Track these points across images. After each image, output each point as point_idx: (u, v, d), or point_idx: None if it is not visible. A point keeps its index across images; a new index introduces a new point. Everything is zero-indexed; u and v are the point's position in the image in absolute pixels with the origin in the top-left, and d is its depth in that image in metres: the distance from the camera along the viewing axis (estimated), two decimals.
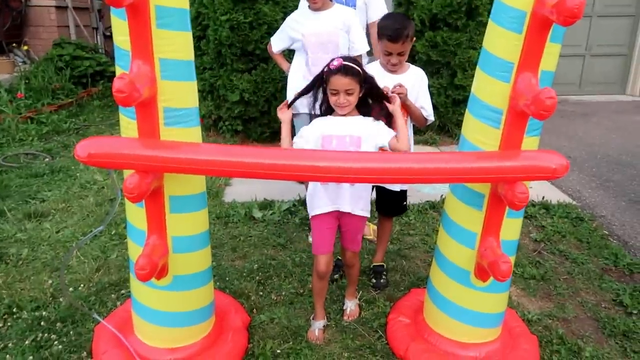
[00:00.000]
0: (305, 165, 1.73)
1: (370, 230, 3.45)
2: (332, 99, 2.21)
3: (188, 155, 1.70)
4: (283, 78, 4.03)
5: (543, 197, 4.11)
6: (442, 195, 4.03)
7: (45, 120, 6.02)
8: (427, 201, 4.02)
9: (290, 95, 3.55)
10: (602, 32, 8.09)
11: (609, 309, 2.78)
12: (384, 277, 2.95)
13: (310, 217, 2.38)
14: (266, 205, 3.91)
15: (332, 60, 2.20)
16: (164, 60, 1.73)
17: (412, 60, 5.49)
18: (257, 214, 3.74)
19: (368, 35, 3.65)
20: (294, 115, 3.61)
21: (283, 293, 2.82)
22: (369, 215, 2.39)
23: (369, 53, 3.56)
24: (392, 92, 2.51)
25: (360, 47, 3.37)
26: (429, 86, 2.75)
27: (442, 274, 2.28)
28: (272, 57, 3.74)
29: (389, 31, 2.49)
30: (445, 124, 5.76)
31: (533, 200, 4.04)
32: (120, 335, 2.23)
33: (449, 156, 1.83)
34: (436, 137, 5.69)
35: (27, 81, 6.91)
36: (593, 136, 6.15)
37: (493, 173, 1.76)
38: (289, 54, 3.83)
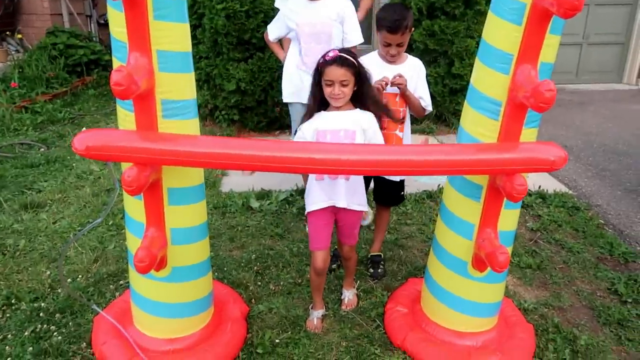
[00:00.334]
0: (304, 157, 1.73)
1: (369, 216, 3.46)
2: (327, 90, 2.19)
3: (186, 148, 1.69)
4: (279, 67, 4.01)
5: (539, 187, 4.13)
6: (439, 185, 4.04)
7: (39, 109, 5.98)
8: (425, 191, 4.03)
9: (285, 85, 3.54)
10: (600, 21, 8.06)
11: (604, 298, 2.81)
12: (381, 266, 2.97)
13: (306, 213, 2.38)
14: (263, 195, 3.91)
15: (328, 51, 2.19)
16: (162, 52, 1.71)
17: (410, 49, 5.45)
18: (255, 204, 3.75)
19: None
20: (289, 105, 3.62)
21: (281, 283, 2.84)
22: (365, 209, 2.39)
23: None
24: (392, 83, 2.51)
25: (353, 38, 3.35)
26: (426, 75, 2.75)
27: (440, 264, 2.29)
28: (268, 45, 3.72)
29: (388, 22, 2.48)
30: (442, 113, 5.75)
31: (530, 190, 4.06)
32: (119, 326, 2.24)
33: (448, 148, 1.84)
34: (433, 127, 5.68)
35: (20, 70, 6.84)
36: (590, 125, 6.17)
37: (492, 165, 1.76)
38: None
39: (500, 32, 1.82)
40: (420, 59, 2.75)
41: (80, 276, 2.85)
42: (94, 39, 8.45)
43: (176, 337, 2.21)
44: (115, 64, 1.79)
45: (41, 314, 2.50)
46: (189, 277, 2.14)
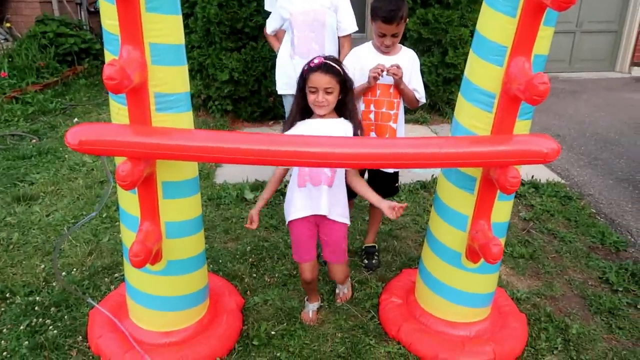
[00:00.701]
0: (300, 151, 1.73)
1: None
2: (311, 98, 2.13)
3: (181, 141, 1.68)
4: (272, 57, 3.98)
5: (532, 176, 4.15)
6: (433, 175, 4.05)
7: (30, 100, 5.91)
8: (418, 181, 4.04)
9: (279, 75, 3.52)
10: (593, 8, 8.05)
11: (596, 287, 2.85)
12: (375, 257, 2.99)
13: (287, 223, 2.32)
14: (258, 186, 3.91)
15: (313, 58, 2.15)
16: (154, 45, 1.70)
17: (403, 38, 5.43)
18: (249, 196, 3.74)
19: None
20: (282, 96, 3.60)
21: (276, 275, 2.85)
22: (348, 223, 2.32)
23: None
24: (388, 73, 2.50)
25: (347, 26, 3.33)
26: (420, 65, 2.74)
27: (434, 255, 2.31)
28: (267, 39, 3.71)
29: (383, 13, 2.46)
30: (436, 102, 5.75)
31: (523, 180, 4.07)
32: (115, 319, 2.25)
33: (441, 141, 1.84)
34: (427, 116, 5.68)
35: (10, 59, 6.74)
36: (582, 114, 6.19)
37: (485, 158, 1.77)
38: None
39: (494, 24, 1.81)
40: (414, 48, 2.75)
41: (75, 269, 2.85)
42: (85, 27, 8.33)
43: (172, 330, 2.22)
44: (108, 57, 1.77)
45: (36, 308, 2.50)
46: (184, 270, 2.14)
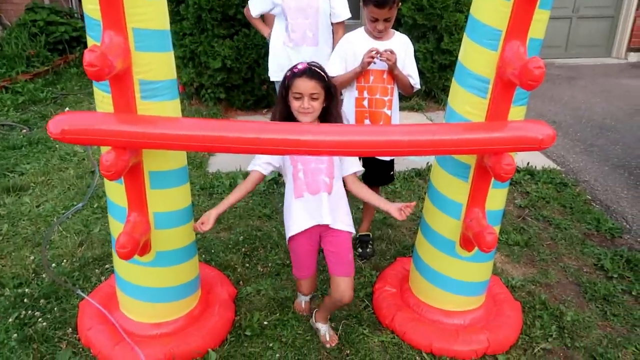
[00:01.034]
0: (290, 139, 1.68)
1: None
2: (295, 105, 1.99)
3: (167, 130, 1.64)
4: (265, 44, 3.92)
5: (528, 163, 4.12)
6: (428, 163, 4.02)
7: (20, 89, 5.82)
8: (413, 169, 4.01)
9: (272, 63, 3.46)
10: None
11: (590, 274, 2.83)
12: (370, 246, 2.96)
13: (287, 240, 2.13)
14: None
15: (297, 64, 2.03)
16: (138, 30, 1.64)
17: (398, 24, 5.37)
18: None
19: None
20: (275, 83, 3.54)
21: (269, 264, 2.82)
22: (353, 232, 2.14)
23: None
24: (381, 58, 2.45)
25: (341, 12, 3.28)
26: (415, 51, 2.69)
27: (428, 243, 2.28)
28: (250, 21, 3.62)
29: None
30: (431, 89, 5.70)
31: (518, 166, 4.05)
32: (105, 311, 2.22)
33: (435, 128, 1.80)
34: (422, 103, 5.63)
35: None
36: (578, 100, 6.15)
37: (479, 145, 1.73)
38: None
39: (489, 7, 1.76)
40: (409, 34, 2.70)
41: (65, 260, 2.81)
42: (76, 15, 8.20)
43: (163, 321, 2.19)
44: (90, 43, 1.71)
45: (25, 300, 2.46)
46: (174, 262, 2.11)
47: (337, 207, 2.09)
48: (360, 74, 2.55)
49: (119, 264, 2.14)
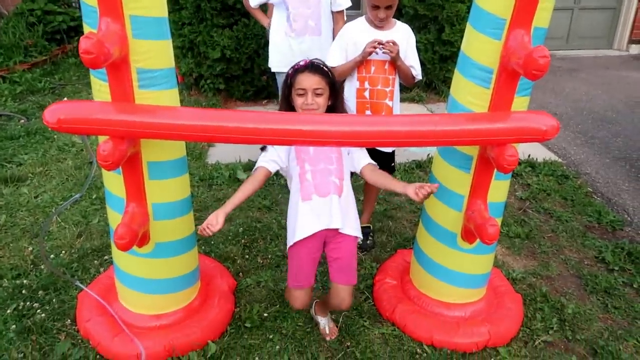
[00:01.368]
0: (291, 129, 1.66)
1: None
2: (299, 101, 1.92)
3: (165, 120, 1.61)
4: (265, 34, 3.88)
5: (529, 155, 4.10)
6: (428, 154, 3.99)
7: (18, 79, 5.78)
8: (414, 160, 3.99)
9: (273, 53, 3.42)
10: None
11: (592, 266, 2.82)
12: (370, 238, 2.95)
13: (289, 245, 1.98)
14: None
15: (299, 61, 1.97)
16: (135, 17, 1.61)
17: (399, 14, 5.32)
18: (242, 176, 3.68)
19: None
20: (276, 74, 3.51)
21: (269, 256, 2.80)
22: (360, 236, 2.04)
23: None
24: (384, 50, 2.42)
25: (342, 1, 3.26)
26: (416, 42, 2.66)
27: (429, 235, 2.26)
28: (249, 11, 3.58)
29: None
30: (432, 80, 5.66)
31: (519, 158, 4.02)
32: (104, 302, 2.21)
33: (437, 119, 1.77)
34: (423, 95, 5.59)
35: None
36: (579, 92, 6.12)
37: (482, 136, 1.71)
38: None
39: None
40: (410, 25, 2.66)
41: (63, 252, 2.79)
42: (74, 4, 8.13)
43: (162, 313, 2.18)
44: (86, 30, 1.68)
45: (24, 291, 2.45)
46: (173, 253, 2.09)
47: (347, 211, 1.97)
48: (361, 63, 2.52)
49: (117, 255, 2.12)
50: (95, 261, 2.72)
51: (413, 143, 1.79)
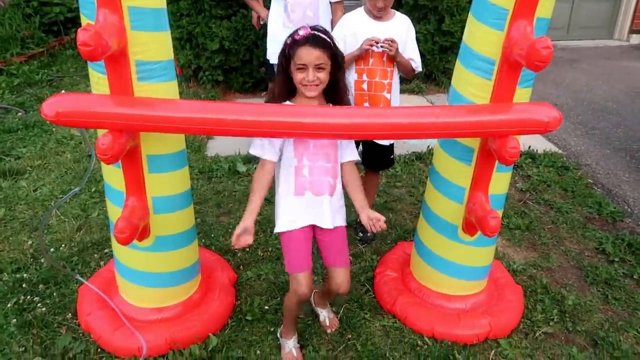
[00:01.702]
0: (291, 122, 1.65)
1: None
2: (298, 77, 1.78)
3: (165, 112, 1.60)
4: (263, 25, 3.85)
5: (529, 147, 4.09)
6: (429, 147, 3.98)
7: (15, 71, 5.73)
8: (414, 152, 3.97)
9: (271, 44, 3.39)
10: None
11: (592, 258, 2.82)
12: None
13: (279, 233, 1.95)
14: (250, 159, 3.82)
15: (298, 29, 1.80)
16: (134, 8, 1.59)
17: (398, 4, 5.28)
18: (241, 168, 3.67)
19: None
20: (274, 65, 3.48)
21: (269, 249, 2.80)
22: (345, 224, 2.02)
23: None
24: (382, 47, 2.40)
25: None
26: (416, 33, 2.63)
27: (430, 227, 2.26)
28: (246, 2, 3.55)
29: None
30: (432, 71, 5.62)
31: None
32: (105, 296, 2.20)
33: (438, 110, 1.76)
34: (422, 86, 5.56)
35: None
36: (580, 83, 6.09)
37: (484, 127, 1.70)
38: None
39: None
40: (409, 16, 2.64)
41: (63, 245, 2.79)
42: None
43: (163, 306, 2.18)
44: (84, 21, 1.66)
45: (24, 285, 2.45)
46: (173, 246, 2.09)
47: (337, 208, 1.96)
48: (359, 57, 2.50)
49: (118, 248, 2.12)
50: (96, 255, 2.71)
51: (415, 135, 1.77)
